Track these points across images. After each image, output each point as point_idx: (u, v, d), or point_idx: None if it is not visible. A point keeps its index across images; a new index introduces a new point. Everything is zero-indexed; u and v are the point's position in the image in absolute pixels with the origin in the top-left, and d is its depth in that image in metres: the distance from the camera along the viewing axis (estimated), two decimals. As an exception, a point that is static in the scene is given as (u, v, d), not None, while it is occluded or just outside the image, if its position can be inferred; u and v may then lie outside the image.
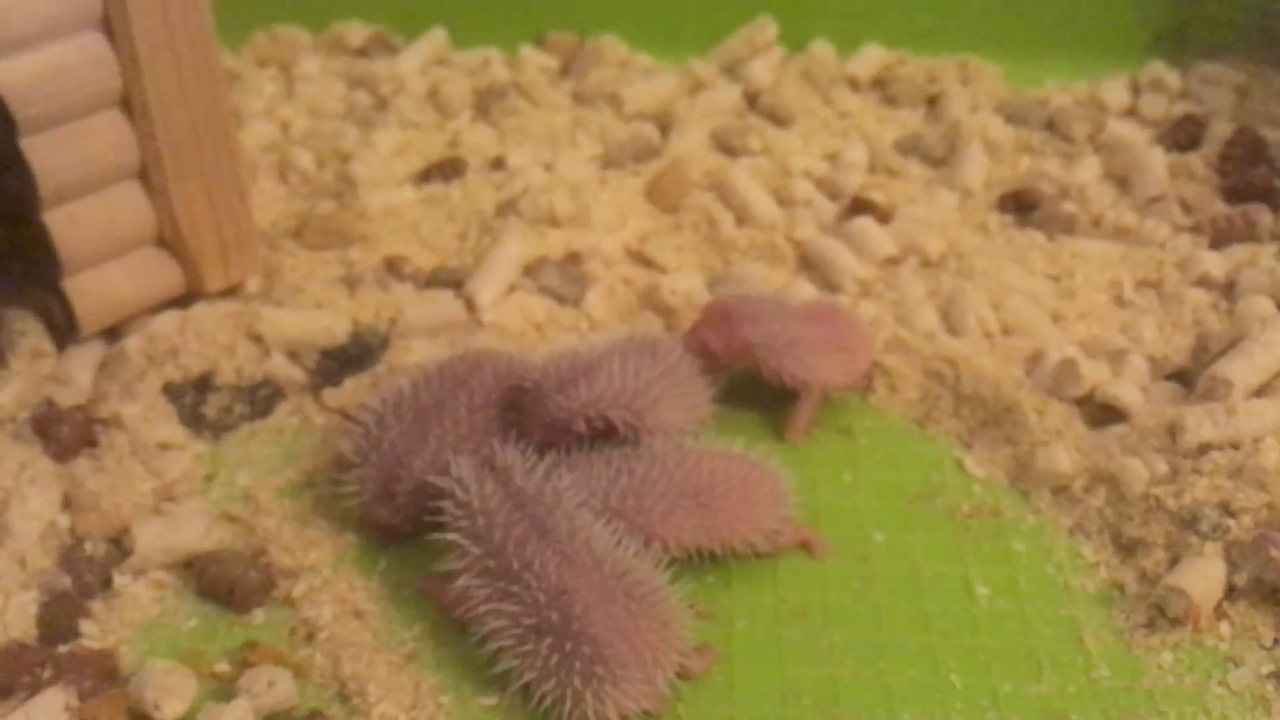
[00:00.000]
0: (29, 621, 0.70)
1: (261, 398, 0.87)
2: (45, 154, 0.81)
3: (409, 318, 0.91)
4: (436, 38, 1.29)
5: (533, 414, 0.76)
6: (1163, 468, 0.78)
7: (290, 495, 0.80)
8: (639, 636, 0.65)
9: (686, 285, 0.95)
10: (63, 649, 0.69)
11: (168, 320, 0.90)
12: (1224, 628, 0.72)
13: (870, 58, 1.27)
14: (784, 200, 1.06)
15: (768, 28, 1.29)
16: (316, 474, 0.81)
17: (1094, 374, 0.86)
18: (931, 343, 0.90)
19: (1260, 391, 0.83)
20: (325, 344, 0.90)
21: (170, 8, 0.82)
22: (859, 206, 1.04)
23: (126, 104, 0.84)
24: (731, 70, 1.26)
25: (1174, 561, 0.74)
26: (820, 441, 0.85)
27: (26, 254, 0.85)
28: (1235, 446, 0.78)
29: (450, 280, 0.96)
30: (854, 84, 1.25)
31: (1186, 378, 0.87)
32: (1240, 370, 0.82)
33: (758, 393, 0.86)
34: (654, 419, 0.77)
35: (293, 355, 0.89)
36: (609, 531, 0.70)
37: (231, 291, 0.93)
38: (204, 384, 0.87)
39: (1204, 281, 0.96)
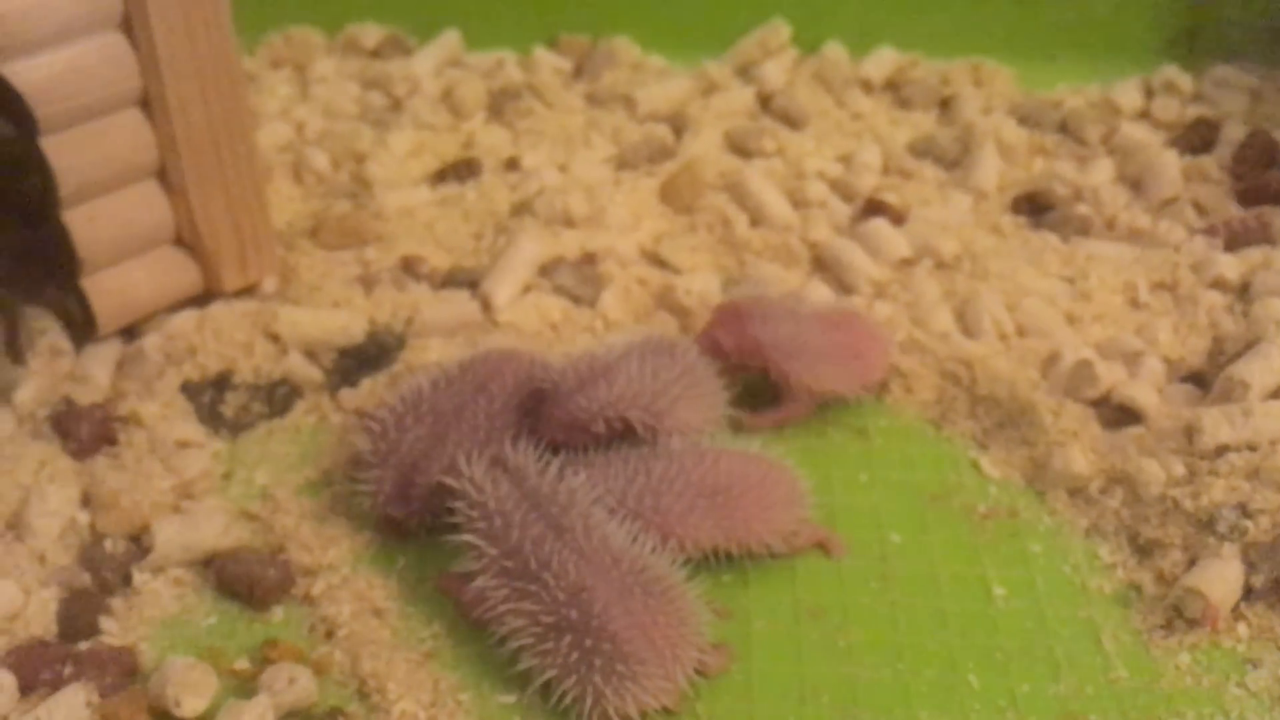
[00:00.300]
0: (49, 619, 0.71)
1: (279, 396, 0.87)
2: (65, 153, 0.82)
3: (425, 317, 0.92)
4: (450, 39, 1.30)
5: (552, 415, 0.76)
6: (1179, 469, 0.78)
7: (308, 493, 0.80)
8: (658, 632, 0.65)
9: (701, 286, 0.95)
10: (83, 646, 0.69)
11: (186, 319, 0.90)
12: (1241, 629, 0.72)
13: (883, 60, 1.28)
14: (798, 202, 1.06)
15: (781, 30, 1.29)
16: (334, 472, 0.81)
17: (1110, 375, 0.86)
18: (947, 344, 0.90)
19: (1277, 393, 0.83)
20: (342, 343, 0.90)
21: (190, 8, 0.83)
22: (873, 208, 1.04)
23: (146, 104, 0.85)
24: (745, 72, 1.27)
25: (1191, 563, 0.74)
26: (836, 442, 0.85)
27: (45, 253, 0.86)
28: (1253, 448, 0.78)
29: (466, 280, 0.96)
30: (867, 86, 1.25)
31: (1202, 380, 0.87)
32: (1257, 372, 0.83)
33: (773, 395, 0.86)
34: (672, 420, 0.77)
35: (310, 354, 0.90)
36: (624, 529, 0.70)
37: (249, 291, 0.94)
38: (222, 382, 0.87)
39: (1219, 284, 0.95)
